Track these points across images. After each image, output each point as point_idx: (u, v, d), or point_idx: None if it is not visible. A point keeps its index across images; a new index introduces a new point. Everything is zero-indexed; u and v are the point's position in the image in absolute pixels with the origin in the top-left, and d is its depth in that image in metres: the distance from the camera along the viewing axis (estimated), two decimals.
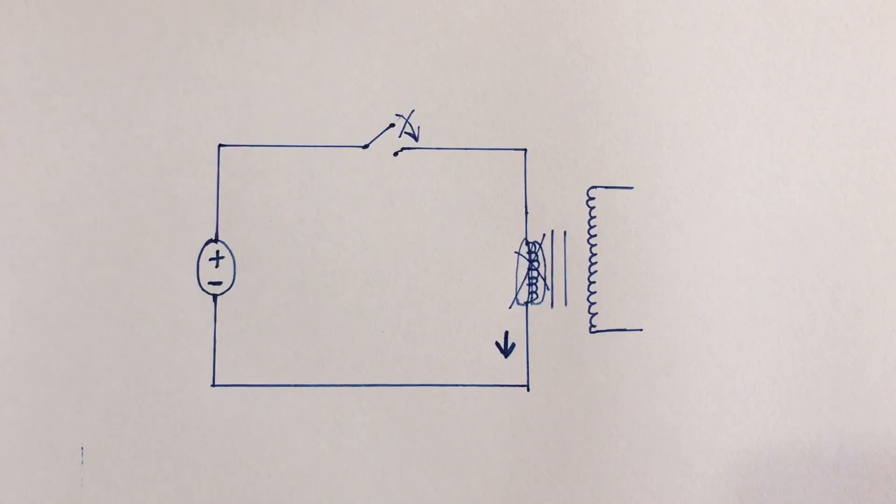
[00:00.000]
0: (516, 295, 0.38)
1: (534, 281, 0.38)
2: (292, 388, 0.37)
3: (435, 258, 0.38)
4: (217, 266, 0.38)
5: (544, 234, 0.38)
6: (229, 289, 0.38)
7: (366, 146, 0.39)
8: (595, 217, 0.38)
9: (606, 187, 0.38)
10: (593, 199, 0.38)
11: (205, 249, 0.38)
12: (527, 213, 0.38)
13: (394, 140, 0.39)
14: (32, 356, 0.37)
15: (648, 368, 0.38)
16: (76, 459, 0.37)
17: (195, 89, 0.39)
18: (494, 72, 0.39)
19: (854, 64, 0.39)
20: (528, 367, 0.38)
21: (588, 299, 0.38)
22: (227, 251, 0.38)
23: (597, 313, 0.38)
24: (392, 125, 0.39)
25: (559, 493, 0.37)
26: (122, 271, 0.38)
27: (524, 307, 0.38)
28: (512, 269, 0.38)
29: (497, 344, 0.38)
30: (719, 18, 0.39)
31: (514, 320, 0.38)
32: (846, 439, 0.37)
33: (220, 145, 0.38)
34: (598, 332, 0.38)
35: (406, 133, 0.39)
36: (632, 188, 0.38)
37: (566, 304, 0.38)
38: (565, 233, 0.38)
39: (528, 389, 0.38)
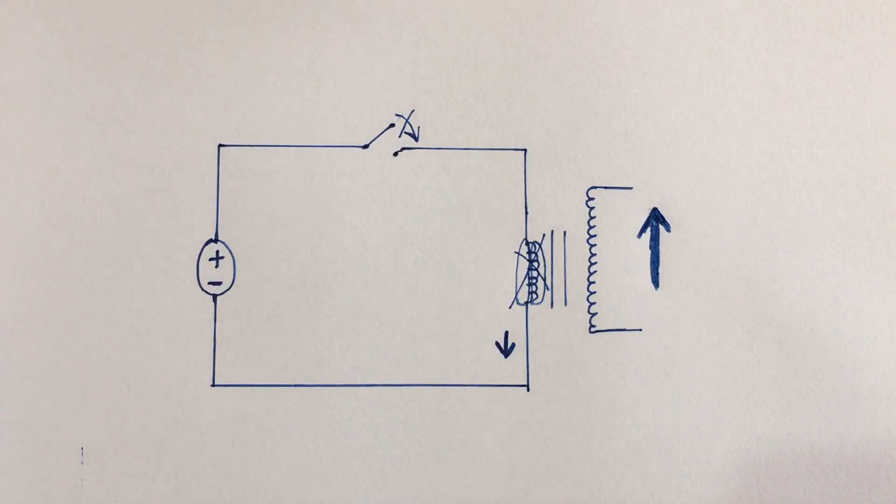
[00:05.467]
0: (516, 295, 0.38)
1: (534, 281, 0.38)
2: (292, 388, 0.37)
3: (435, 258, 0.38)
4: (217, 266, 0.38)
5: (544, 235, 0.38)
6: (229, 289, 0.38)
7: (366, 146, 0.39)
8: (595, 217, 0.38)
9: (606, 187, 0.38)
10: (593, 199, 0.38)
11: (205, 249, 0.38)
12: (527, 213, 0.38)
13: (394, 140, 0.39)
14: (32, 356, 0.37)
15: (648, 368, 0.38)
16: (76, 459, 0.37)
17: (195, 89, 0.39)
18: (494, 72, 0.39)
19: (854, 64, 0.39)
20: (528, 367, 0.38)
21: (588, 299, 0.38)
22: (227, 251, 0.38)
23: (596, 313, 0.38)
24: (392, 125, 0.39)
25: (559, 493, 0.37)
26: (122, 271, 0.38)
27: (524, 307, 0.38)
28: (512, 269, 0.38)
29: (497, 344, 0.38)
30: (719, 18, 0.39)
31: (513, 320, 0.38)
32: (846, 439, 0.37)
33: (220, 145, 0.38)
34: (597, 332, 0.38)
35: (406, 133, 0.39)
36: (631, 188, 0.38)
37: (566, 304, 0.38)
38: (565, 233, 0.38)
39: (528, 389, 0.38)
